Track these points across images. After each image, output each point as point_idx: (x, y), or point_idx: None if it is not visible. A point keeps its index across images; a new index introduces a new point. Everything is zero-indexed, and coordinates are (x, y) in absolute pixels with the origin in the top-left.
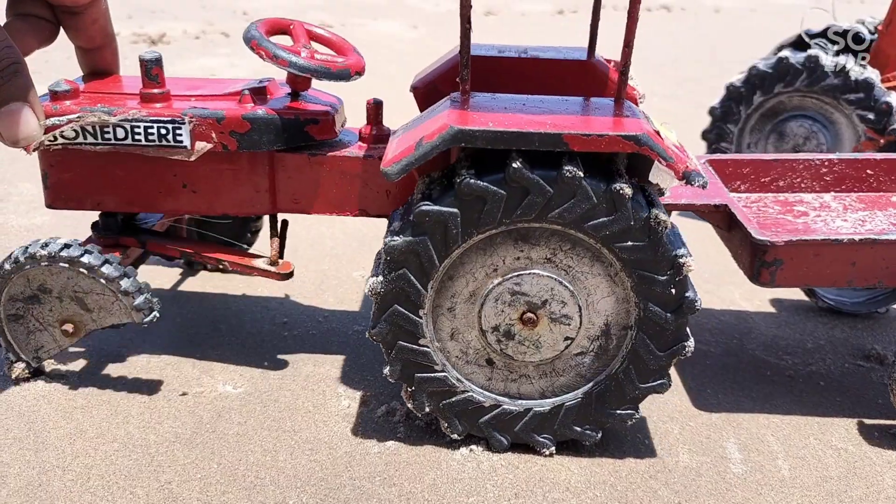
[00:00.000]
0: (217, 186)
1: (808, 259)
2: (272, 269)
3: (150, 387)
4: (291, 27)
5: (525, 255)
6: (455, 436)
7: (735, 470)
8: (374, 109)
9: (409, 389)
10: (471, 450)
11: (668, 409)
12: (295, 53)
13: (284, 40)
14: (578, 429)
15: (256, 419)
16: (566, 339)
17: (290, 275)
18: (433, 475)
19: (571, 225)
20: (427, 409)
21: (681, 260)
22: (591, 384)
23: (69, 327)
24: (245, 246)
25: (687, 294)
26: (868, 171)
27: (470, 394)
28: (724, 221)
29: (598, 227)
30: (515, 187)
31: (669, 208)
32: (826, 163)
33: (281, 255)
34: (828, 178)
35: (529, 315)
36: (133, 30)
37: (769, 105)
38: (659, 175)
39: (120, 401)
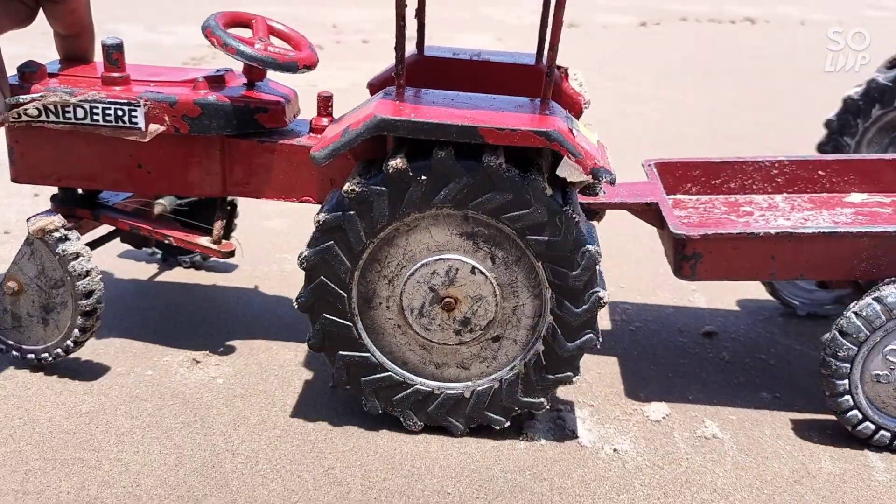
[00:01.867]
0: (170, 168)
1: (727, 252)
2: (214, 247)
3: (300, 377)
4: (253, 21)
5: (448, 240)
6: (372, 412)
7: (879, 478)
8: (324, 102)
9: (332, 361)
10: (614, 450)
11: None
12: (247, 44)
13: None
14: (490, 414)
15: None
16: (483, 324)
17: (230, 254)
18: (581, 472)
19: (491, 214)
20: (346, 385)
21: (590, 255)
22: (503, 370)
23: (13, 285)
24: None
25: (595, 289)
26: (820, 172)
27: (389, 373)
28: (657, 220)
29: (514, 218)
30: (439, 174)
31: (605, 207)
32: (776, 164)
33: (227, 237)
34: (779, 180)
35: (448, 299)
36: None
37: (888, 118)
38: (567, 169)
39: (275, 391)
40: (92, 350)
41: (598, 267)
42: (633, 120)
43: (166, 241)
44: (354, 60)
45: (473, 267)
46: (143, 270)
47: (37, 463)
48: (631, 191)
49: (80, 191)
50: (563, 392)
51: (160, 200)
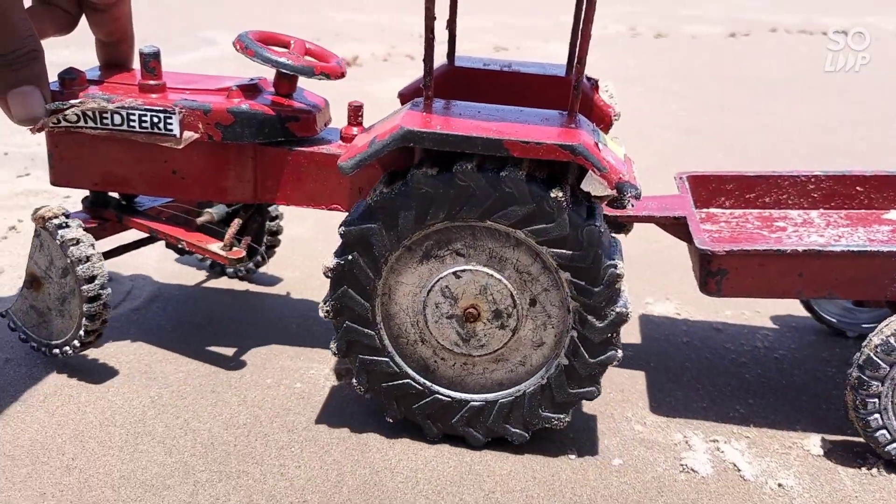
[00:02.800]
0: (203, 174)
1: (754, 269)
2: (222, 252)
3: None
4: (292, 42)
5: (473, 251)
6: (390, 419)
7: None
8: (354, 112)
9: (354, 367)
10: (779, 485)
11: None
12: (266, 48)
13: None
14: (510, 427)
15: (550, 437)
16: (505, 337)
17: (239, 260)
18: None
19: (513, 227)
20: (366, 393)
21: (615, 271)
22: (524, 384)
23: (30, 277)
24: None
25: (618, 305)
26: (857, 188)
27: (408, 380)
28: (685, 234)
29: (536, 231)
30: (463, 185)
31: (633, 220)
32: (813, 179)
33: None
34: (815, 195)
35: (472, 310)
36: None
37: None
38: (592, 184)
39: None
40: (238, 361)
41: (620, 283)
42: (727, 132)
43: (179, 246)
44: None
45: (495, 278)
46: (286, 286)
47: (203, 475)
48: (660, 204)
49: (116, 195)
50: (716, 421)
51: (209, 209)
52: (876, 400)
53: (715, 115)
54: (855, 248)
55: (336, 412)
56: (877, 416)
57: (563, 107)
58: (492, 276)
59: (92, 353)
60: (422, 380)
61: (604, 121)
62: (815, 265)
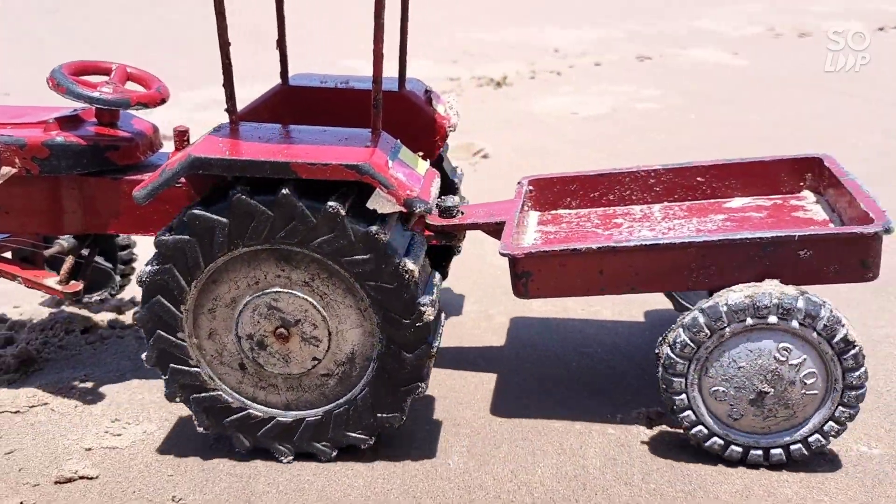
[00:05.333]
0: (28, 208)
1: (555, 270)
2: (58, 287)
3: None
4: (114, 67)
5: (286, 274)
6: (201, 429)
7: None
8: (180, 137)
9: (165, 377)
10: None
11: None
12: (86, 86)
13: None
14: (316, 444)
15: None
16: (314, 359)
17: (76, 294)
18: None
19: (300, 245)
20: (177, 400)
21: (422, 307)
22: (332, 405)
23: None
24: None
25: (427, 339)
26: (698, 179)
27: (220, 393)
28: None
29: (320, 246)
30: (284, 210)
31: (460, 228)
32: (653, 174)
33: (78, 277)
34: (657, 189)
35: (282, 330)
36: (472, 73)
37: None
38: (378, 201)
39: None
40: (521, 406)
41: (414, 280)
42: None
43: (16, 282)
44: (605, 84)
45: (308, 302)
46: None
47: None
48: (488, 211)
49: None
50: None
51: (60, 240)
52: (682, 380)
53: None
54: (647, 243)
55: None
56: (683, 396)
57: (398, 122)
58: (305, 299)
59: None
60: (233, 393)
61: (438, 132)
62: (614, 261)
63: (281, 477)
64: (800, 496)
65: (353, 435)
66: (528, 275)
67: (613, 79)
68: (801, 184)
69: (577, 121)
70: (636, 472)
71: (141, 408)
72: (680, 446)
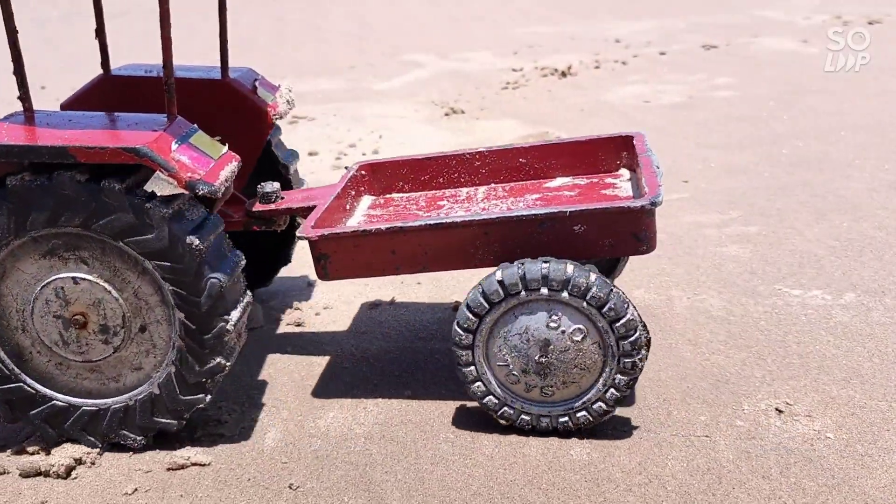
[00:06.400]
0: None
1: (350, 251)
2: None
3: None
4: None
5: (98, 263)
6: (6, 422)
7: None
8: None
9: None
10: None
11: None
12: None
13: None
14: (125, 432)
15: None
16: (110, 344)
17: None
18: None
19: (114, 237)
20: None
21: (213, 282)
22: (135, 391)
23: None
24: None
25: (224, 315)
26: (521, 160)
27: (22, 384)
28: None
29: (105, 226)
30: (18, 199)
31: (277, 213)
32: (478, 156)
33: None
34: (483, 171)
35: (80, 317)
36: (536, 63)
37: None
38: (158, 183)
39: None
40: (638, 396)
41: (202, 257)
42: None
43: None
44: (676, 74)
45: (112, 296)
46: None
47: None
48: (305, 195)
49: None
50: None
51: None
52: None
53: None
54: (433, 222)
55: (804, 457)
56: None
57: (223, 109)
58: (109, 292)
59: None
60: (11, 365)
61: (262, 119)
62: (404, 241)
63: (398, 465)
64: None
65: (162, 420)
66: (326, 257)
67: (683, 68)
68: (619, 162)
69: (654, 109)
70: (773, 465)
71: (246, 395)
72: (815, 438)
